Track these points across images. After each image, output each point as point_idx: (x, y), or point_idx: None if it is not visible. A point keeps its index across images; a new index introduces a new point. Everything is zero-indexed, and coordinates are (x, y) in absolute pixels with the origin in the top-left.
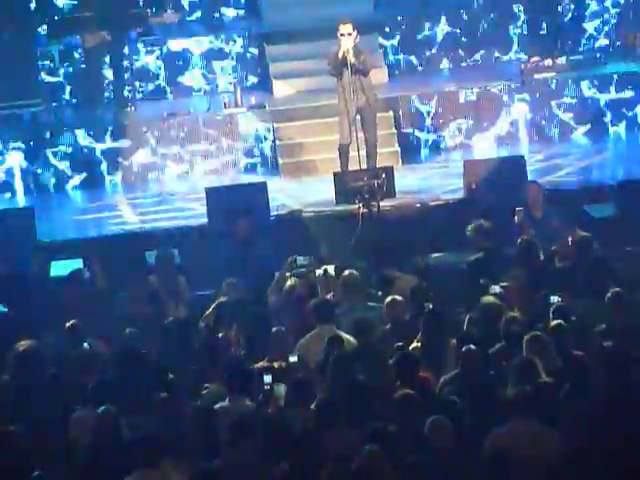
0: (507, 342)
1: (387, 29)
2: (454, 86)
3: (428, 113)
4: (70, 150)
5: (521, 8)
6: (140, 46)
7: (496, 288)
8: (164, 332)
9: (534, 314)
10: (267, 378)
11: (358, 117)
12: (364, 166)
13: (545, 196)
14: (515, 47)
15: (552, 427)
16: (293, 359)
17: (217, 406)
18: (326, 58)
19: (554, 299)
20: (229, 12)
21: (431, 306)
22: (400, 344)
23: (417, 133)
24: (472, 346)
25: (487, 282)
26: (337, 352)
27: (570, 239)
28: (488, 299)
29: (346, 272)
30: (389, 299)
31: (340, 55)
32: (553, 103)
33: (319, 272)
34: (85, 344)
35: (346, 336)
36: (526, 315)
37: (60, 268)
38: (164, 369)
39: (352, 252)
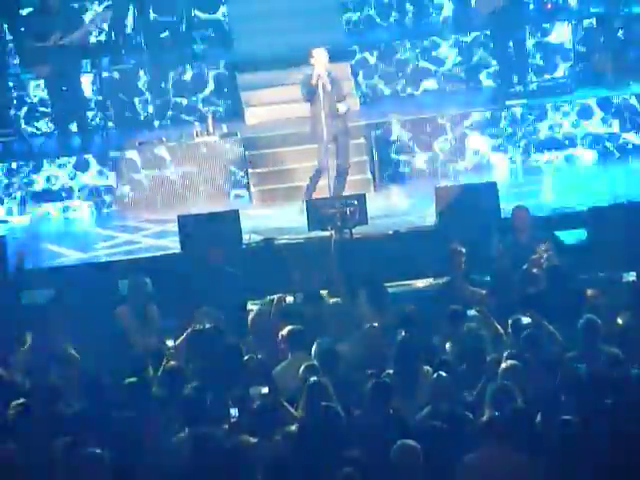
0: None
1: (359, 56)
2: (427, 113)
3: (400, 140)
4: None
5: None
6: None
7: (472, 312)
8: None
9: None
10: (233, 411)
11: (330, 145)
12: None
13: (532, 221)
14: (486, 73)
15: (525, 453)
16: (264, 390)
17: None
18: (300, 83)
19: (524, 320)
20: (200, 40)
21: (404, 333)
22: (372, 371)
23: (390, 160)
24: (443, 373)
25: (459, 308)
26: (312, 380)
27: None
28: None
29: (331, 301)
30: (367, 326)
31: (313, 81)
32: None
33: (289, 299)
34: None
35: None
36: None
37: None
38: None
39: (326, 280)
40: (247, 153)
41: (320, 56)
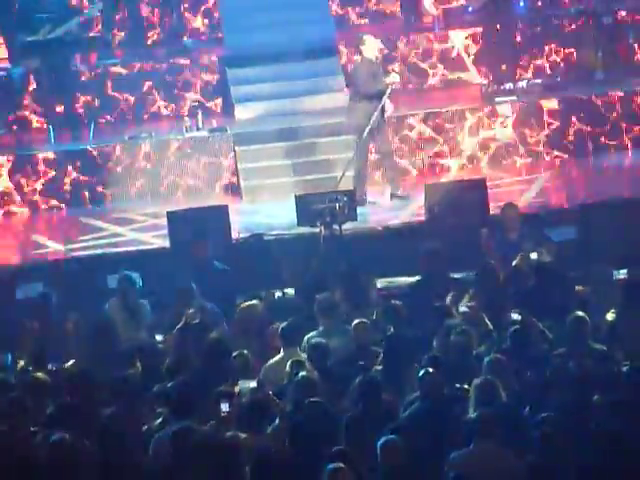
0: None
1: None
2: (418, 109)
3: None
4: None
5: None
6: (100, 68)
7: (462, 308)
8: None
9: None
10: (224, 405)
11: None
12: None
13: (521, 218)
14: (474, 69)
15: (512, 450)
16: (252, 384)
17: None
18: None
19: (514, 316)
20: (190, 35)
21: (392, 329)
22: (362, 363)
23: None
24: (430, 369)
25: (442, 304)
26: (300, 376)
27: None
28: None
29: (321, 296)
30: (356, 322)
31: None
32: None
33: (278, 294)
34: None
35: None
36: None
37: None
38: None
39: (314, 275)
40: (237, 148)
41: (372, 43)
